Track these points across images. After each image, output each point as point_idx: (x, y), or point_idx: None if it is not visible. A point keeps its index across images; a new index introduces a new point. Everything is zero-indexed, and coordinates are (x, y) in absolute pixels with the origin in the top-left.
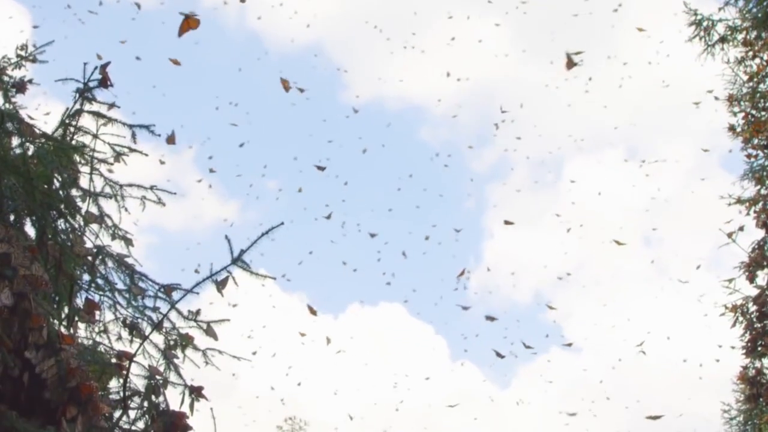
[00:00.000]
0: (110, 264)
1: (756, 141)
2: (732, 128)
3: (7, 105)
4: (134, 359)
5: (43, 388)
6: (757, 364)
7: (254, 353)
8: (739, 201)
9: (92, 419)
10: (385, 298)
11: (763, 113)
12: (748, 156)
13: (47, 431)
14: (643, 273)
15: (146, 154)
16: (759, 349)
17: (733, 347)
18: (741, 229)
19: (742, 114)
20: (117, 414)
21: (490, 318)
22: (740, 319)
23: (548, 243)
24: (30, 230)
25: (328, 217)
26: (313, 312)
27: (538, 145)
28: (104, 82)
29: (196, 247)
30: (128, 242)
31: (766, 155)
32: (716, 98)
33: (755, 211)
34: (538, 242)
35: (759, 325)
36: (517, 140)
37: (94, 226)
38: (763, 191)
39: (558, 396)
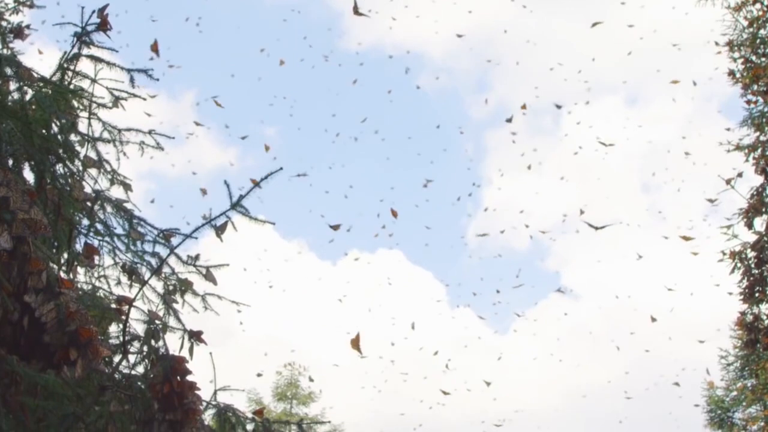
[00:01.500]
0: (109, 209)
1: (755, 87)
2: (731, 74)
3: (5, 50)
4: (134, 304)
5: (42, 331)
6: (755, 310)
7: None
8: (738, 148)
9: (92, 363)
10: (384, 245)
11: (762, 59)
12: (748, 102)
13: (47, 375)
14: (641, 220)
15: (145, 99)
16: (757, 295)
17: (731, 293)
18: (740, 175)
19: (742, 60)
20: (117, 358)
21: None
22: (738, 265)
23: (547, 190)
24: (29, 175)
25: (330, 168)
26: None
27: (537, 92)
28: (103, 26)
29: (195, 194)
30: (127, 187)
31: (766, 101)
32: (716, 44)
33: (754, 158)
34: (536, 189)
35: (757, 272)
36: (516, 87)
37: (93, 171)
38: (762, 138)
39: (556, 341)
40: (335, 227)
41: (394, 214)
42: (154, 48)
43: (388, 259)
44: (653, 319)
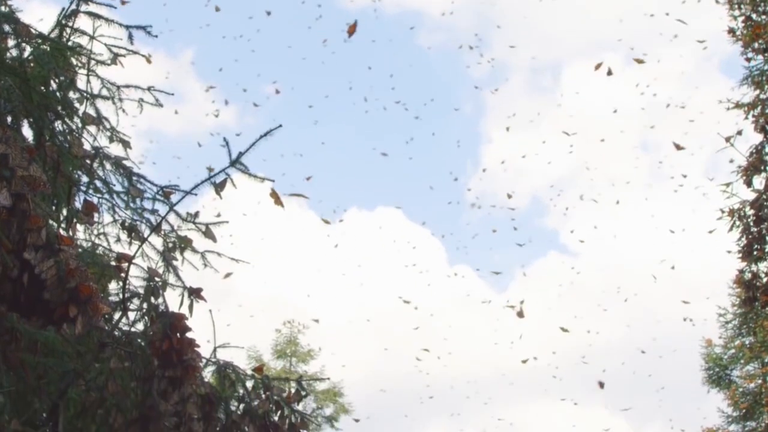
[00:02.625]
0: (108, 166)
1: (756, 45)
2: (732, 32)
3: (2, 7)
4: (133, 261)
5: (42, 288)
6: (753, 268)
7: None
8: (738, 106)
9: (92, 320)
10: (383, 202)
11: (763, 17)
12: (747, 60)
13: (47, 332)
14: (640, 177)
15: (143, 55)
16: (755, 253)
17: (729, 251)
18: (739, 133)
19: (742, 18)
20: (116, 315)
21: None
22: (737, 223)
23: (546, 147)
24: (27, 132)
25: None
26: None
27: (536, 51)
28: None
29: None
30: (126, 145)
31: (766, 59)
32: (717, 2)
33: (754, 116)
34: (536, 147)
35: (755, 229)
36: (516, 46)
37: (92, 128)
38: (761, 96)
39: (555, 299)
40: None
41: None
42: None
43: (387, 216)
44: (654, 277)
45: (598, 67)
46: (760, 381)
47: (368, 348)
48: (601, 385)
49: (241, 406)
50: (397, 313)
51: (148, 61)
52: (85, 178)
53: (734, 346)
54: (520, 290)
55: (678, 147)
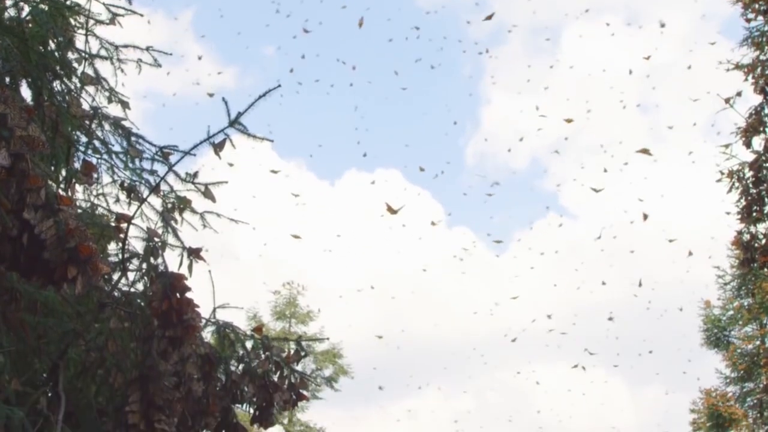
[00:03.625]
0: (107, 127)
1: (756, 6)
2: None
3: None
4: (132, 222)
5: (42, 248)
6: (752, 229)
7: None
8: (738, 67)
9: (92, 279)
10: (382, 164)
11: None
12: (747, 20)
13: (47, 292)
14: (640, 140)
15: (142, 15)
16: (754, 214)
17: (728, 213)
18: (739, 94)
19: None
20: (116, 276)
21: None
22: (736, 184)
23: (545, 110)
24: (26, 92)
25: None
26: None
27: (536, 12)
28: None
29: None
30: (125, 105)
31: (766, 20)
32: None
33: (753, 77)
34: (535, 109)
35: (754, 191)
36: (516, 7)
37: (91, 89)
38: (761, 57)
39: (553, 261)
40: None
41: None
42: None
43: (386, 178)
44: (652, 238)
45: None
46: (758, 342)
47: (367, 309)
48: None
49: (241, 366)
50: (396, 275)
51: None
52: (83, 139)
53: (733, 308)
54: (519, 252)
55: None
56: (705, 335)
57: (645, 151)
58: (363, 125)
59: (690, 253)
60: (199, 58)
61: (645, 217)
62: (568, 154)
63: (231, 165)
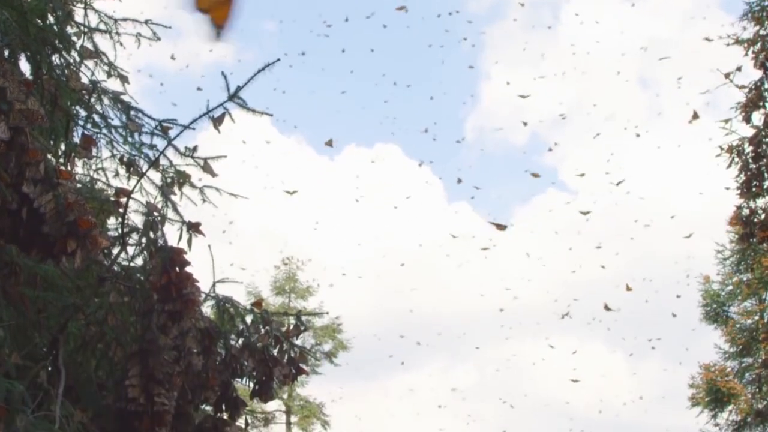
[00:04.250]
0: (106, 101)
1: None
2: None
3: None
4: (132, 196)
5: (41, 222)
6: (752, 205)
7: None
8: (738, 41)
9: (91, 253)
10: (381, 139)
11: None
12: None
13: (46, 266)
14: (639, 114)
15: None
16: (753, 189)
17: (727, 188)
18: (739, 69)
19: None
20: (115, 250)
21: None
22: (736, 159)
23: (545, 84)
24: (25, 66)
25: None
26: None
27: None
28: None
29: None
30: (124, 79)
31: None
32: None
33: (753, 52)
34: (535, 84)
35: (754, 166)
36: None
37: (90, 63)
38: (761, 31)
39: (553, 235)
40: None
41: None
42: None
43: (386, 153)
44: (652, 214)
45: None
46: (757, 317)
47: (368, 285)
48: (607, 308)
49: (241, 340)
50: (396, 251)
51: None
52: (83, 113)
53: (732, 283)
54: (519, 227)
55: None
56: (704, 310)
57: (695, 116)
58: (361, 101)
59: (689, 235)
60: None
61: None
62: (568, 128)
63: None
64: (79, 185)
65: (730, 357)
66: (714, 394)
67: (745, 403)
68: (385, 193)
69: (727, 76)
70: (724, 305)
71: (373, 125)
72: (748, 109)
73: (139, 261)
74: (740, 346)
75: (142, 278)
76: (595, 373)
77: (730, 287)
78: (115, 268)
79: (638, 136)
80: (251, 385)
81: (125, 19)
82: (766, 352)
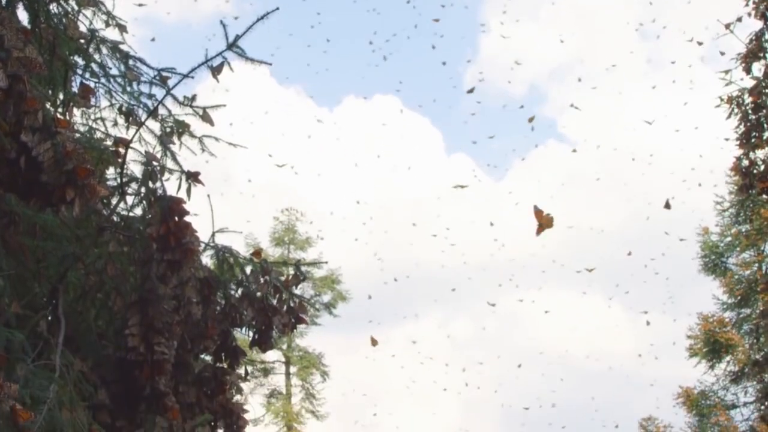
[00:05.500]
0: (104, 51)
1: None
2: None
3: None
4: (131, 146)
5: (40, 171)
6: (751, 156)
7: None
8: None
9: (90, 202)
10: (380, 90)
11: None
12: None
13: (46, 215)
14: (639, 66)
15: None
16: (753, 140)
17: (727, 139)
18: (739, 20)
19: None
20: (115, 200)
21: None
22: (735, 110)
23: (545, 36)
24: (22, 14)
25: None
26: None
27: None
28: None
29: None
30: (122, 29)
31: None
32: None
33: (754, 2)
34: (534, 35)
35: (754, 117)
36: None
37: (88, 11)
38: None
39: (551, 188)
40: None
41: None
42: None
43: (384, 104)
44: (651, 165)
45: None
46: (755, 268)
47: (367, 236)
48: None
49: (240, 290)
50: (396, 202)
51: None
52: (81, 62)
53: (730, 234)
54: (518, 179)
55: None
56: (702, 261)
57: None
58: (360, 53)
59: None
60: None
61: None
62: (567, 80)
63: (226, 90)
64: (77, 135)
65: (728, 308)
66: (712, 345)
67: (743, 353)
68: (384, 144)
69: (727, 26)
70: (723, 256)
71: (372, 77)
72: (748, 59)
73: (138, 211)
74: (738, 297)
75: (141, 228)
76: (593, 324)
77: (729, 238)
78: (115, 218)
79: (638, 86)
80: (250, 334)
81: None
82: (764, 303)
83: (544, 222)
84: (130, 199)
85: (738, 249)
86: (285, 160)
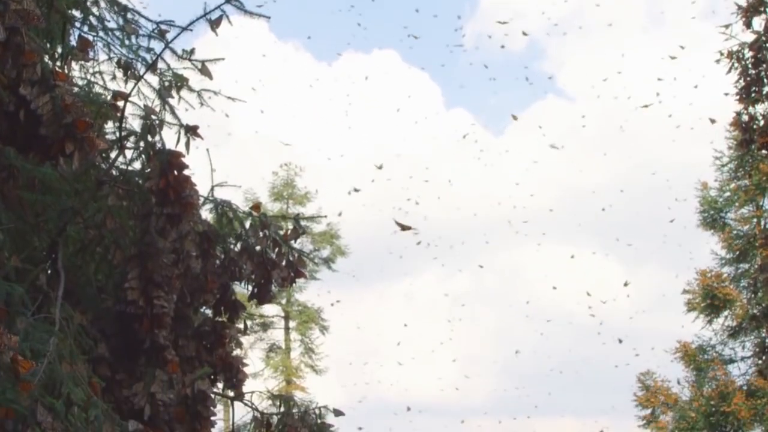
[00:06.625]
0: (103, 4)
1: None
2: None
3: None
4: (129, 99)
5: (39, 124)
6: (751, 110)
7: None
8: None
9: (89, 155)
10: (378, 44)
11: None
12: None
13: (45, 168)
14: (639, 22)
15: None
16: (753, 95)
17: (727, 94)
18: None
19: None
20: (113, 154)
21: None
22: (735, 65)
23: None
24: None
25: None
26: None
27: None
28: None
29: None
30: None
31: None
32: None
33: None
34: None
35: (753, 72)
36: None
37: None
38: None
39: (551, 141)
40: None
41: None
42: None
43: (383, 59)
44: (651, 120)
45: None
46: (754, 223)
47: (365, 191)
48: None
49: (239, 243)
50: (395, 156)
51: None
52: (79, 15)
53: (729, 189)
54: (517, 134)
55: None
56: (701, 217)
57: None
58: (359, 7)
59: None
60: None
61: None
62: (567, 35)
63: (228, 43)
64: (76, 89)
65: (727, 263)
66: (710, 300)
67: (741, 308)
68: (383, 99)
69: None
70: (722, 211)
71: (371, 32)
72: (748, 14)
73: (137, 164)
74: (737, 252)
75: (140, 181)
76: (590, 277)
77: (728, 194)
78: (114, 172)
79: (638, 42)
80: (250, 288)
81: None
82: (762, 258)
83: (404, 227)
84: (129, 153)
85: (737, 204)
86: (284, 116)
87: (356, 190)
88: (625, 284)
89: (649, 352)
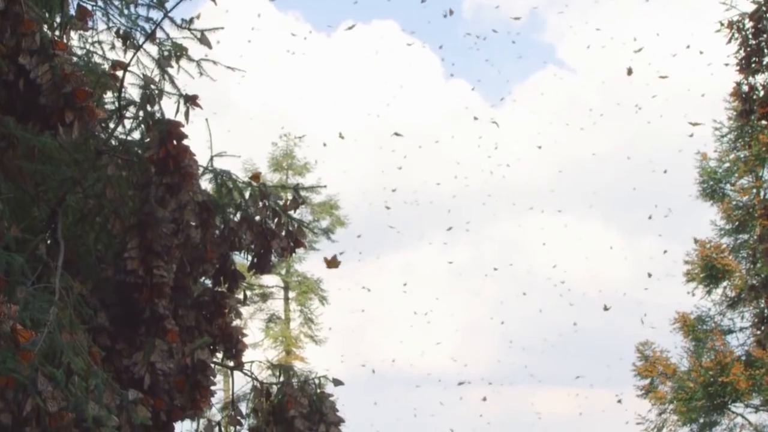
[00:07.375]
0: None
1: None
2: None
3: None
4: (128, 69)
5: (38, 93)
6: (751, 81)
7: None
8: None
9: (88, 124)
10: (378, 15)
11: None
12: None
13: (44, 138)
14: None
15: None
16: (753, 65)
17: (726, 64)
18: None
19: None
20: (113, 124)
21: None
22: (735, 35)
23: None
24: None
25: None
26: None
27: None
28: None
29: None
30: None
31: None
32: None
33: None
34: None
35: (754, 42)
36: None
37: None
38: None
39: (551, 113)
40: None
41: None
42: None
43: (383, 29)
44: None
45: None
46: (753, 193)
47: (365, 161)
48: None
49: (239, 213)
50: (394, 127)
51: None
52: None
53: (729, 160)
54: (517, 104)
55: None
56: (700, 187)
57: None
58: None
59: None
60: None
61: (629, 71)
62: (568, 6)
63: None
64: (75, 58)
65: (726, 234)
66: (709, 270)
67: (740, 279)
68: (383, 69)
69: None
70: (721, 182)
71: (371, 1)
72: None
73: (136, 134)
74: (736, 223)
75: (139, 151)
76: (590, 249)
77: (727, 164)
78: (113, 142)
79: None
80: (249, 258)
81: None
82: (761, 228)
83: (331, 264)
84: (128, 123)
85: (736, 175)
86: (284, 85)
87: (341, 137)
88: (649, 275)
89: (647, 322)
